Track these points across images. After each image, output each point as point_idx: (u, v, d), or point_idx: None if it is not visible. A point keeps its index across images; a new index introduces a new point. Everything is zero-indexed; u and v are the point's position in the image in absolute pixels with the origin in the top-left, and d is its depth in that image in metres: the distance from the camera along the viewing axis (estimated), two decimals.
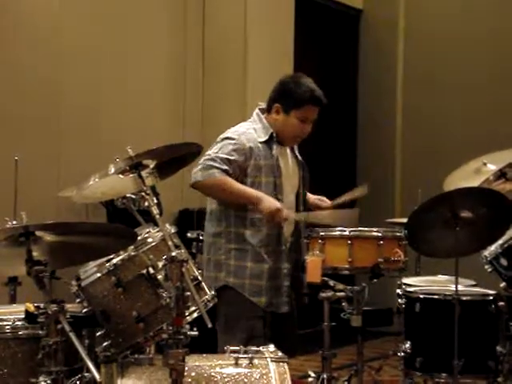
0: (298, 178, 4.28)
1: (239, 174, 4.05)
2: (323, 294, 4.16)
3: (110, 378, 3.05)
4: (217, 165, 3.98)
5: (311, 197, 4.42)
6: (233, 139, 4.09)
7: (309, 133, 4.24)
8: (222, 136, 4.15)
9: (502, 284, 4.31)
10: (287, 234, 4.19)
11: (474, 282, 4.77)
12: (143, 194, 3.21)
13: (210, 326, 3.03)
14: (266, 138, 4.15)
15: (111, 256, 3.13)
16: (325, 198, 4.42)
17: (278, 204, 3.99)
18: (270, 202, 3.98)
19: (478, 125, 8.02)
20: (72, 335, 2.86)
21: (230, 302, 4.08)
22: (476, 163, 4.44)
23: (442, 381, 4.31)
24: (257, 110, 4.27)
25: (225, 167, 3.99)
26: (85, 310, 3.15)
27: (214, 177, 3.97)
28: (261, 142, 4.13)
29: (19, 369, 3.04)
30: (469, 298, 4.37)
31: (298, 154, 4.35)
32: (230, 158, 4.02)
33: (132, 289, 3.11)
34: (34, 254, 2.94)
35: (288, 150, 4.29)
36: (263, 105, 4.28)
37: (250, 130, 4.17)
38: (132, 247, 3.13)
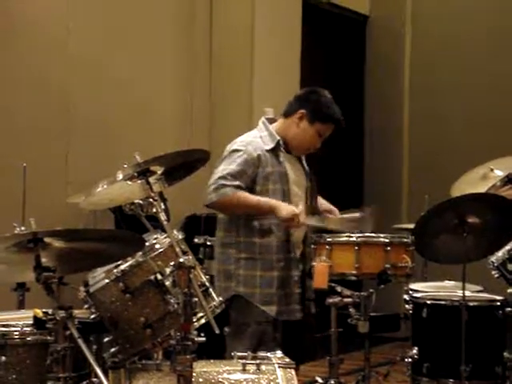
0: (305, 187, 4.29)
1: (249, 184, 4.07)
2: (330, 300, 4.17)
3: None
4: (228, 182, 4.01)
5: (323, 203, 4.42)
6: (240, 151, 4.11)
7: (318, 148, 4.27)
8: (229, 148, 4.17)
9: (510, 289, 4.30)
10: (298, 241, 4.20)
11: (481, 288, 4.77)
12: (151, 200, 3.22)
13: (217, 331, 3.04)
14: (273, 145, 4.16)
15: (119, 262, 3.14)
16: (335, 210, 4.41)
17: (294, 209, 4.01)
18: (286, 208, 4.01)
19: (485, 131, 8.02)
20: (80, 341, 2.87)
21: (241, 309, 4.10)
22: (483, 169, 4.45)
23: None
24: (263, 119, 4.29)
25: (236, 183, 4.02)
26: (93, 316, 3.16)
27: (227, 195, 4.00)
28: (267, 150, 4.15)
29: (27, 374, 3.06)
30: (476, 303, 4.37)
31: (305, 164, 4.36)
32: (239, 171, 4.04)
33: (140, 295, 3.12)
34: (43, 260, 2.96)
35: (296, 159, 4.30)
36: (269, 110, 4.30)
37: (257, 139, 4.19)
38: (140, 253, 3.14)
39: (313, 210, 4.30)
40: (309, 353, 4.33)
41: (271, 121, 4.29)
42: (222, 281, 4.15)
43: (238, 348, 3.86)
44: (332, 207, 4.43)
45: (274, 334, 4.05)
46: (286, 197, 4.14)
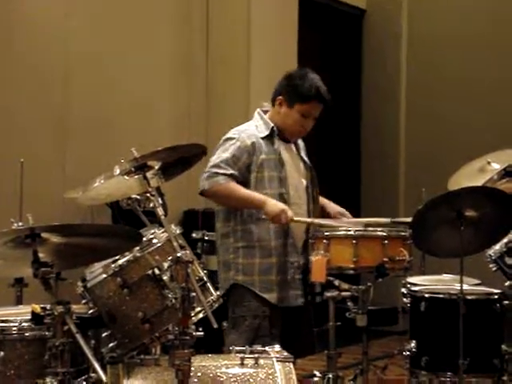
0: (305, 177, 4.30)
1: (244, 172, 4.08)
2: (328, 294, 4.16)
3: (116, 379, 3.06)
4: (221, 171, 4.01)
5: (333, 207, 4.42)
6: (233, 139, 4.12)
7: (310, 128, 4.26)
8: (223, 138, 4.18)
9: (507, 283, 4.31)
10: (301, 231, 4.20)
11: (478, 281, 4.76)
12: (148, 194, 3.22)
13: (215, 326, 3.04)
14: (267, 133, 4.17)
15: (117, 257, 3.15)
16: (347, 213, 4.41)
17: (282, 206, 4.01)
18: (274, 204, 4.01)
19: (483, 124, 8.02)
20: (78, 336, 2.87)
21: (238, 300, 4.10)
22: (480, 162, 4.45)
23: (448, 380, 4.30)
24: (258, 110, 4.31)
25: (230, 171, 4.02)
26: (91, 311, 3.17)
27: (220, 183, 4.00)
28: (262, 138, 4.16)
29: (26, 370, 3.05)
30: (474, 297, 4.36)
31: (304, 156, 4.36)
32: (232, 158, 4.05)
33: (137, 290, 3.13)
34: (40, 255, 2.95)
35: (293, 148, 4.31)
36: (266, 104, 4.31)
37: (251, 127, 4.20)
38: (137, 248, 3.15)
39: (314, 200, 4.31)
40: (307, 347, 4.32)
41: (266, 112, 4.30)
42: (222, 271, 4.16)
43: (234, 341, 3.88)
44: (344, 211, 4.42)
45: (270, 328, 4.05)
46: (283, 184, 4.14)
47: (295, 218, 4.09)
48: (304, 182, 4.29)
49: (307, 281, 4.18)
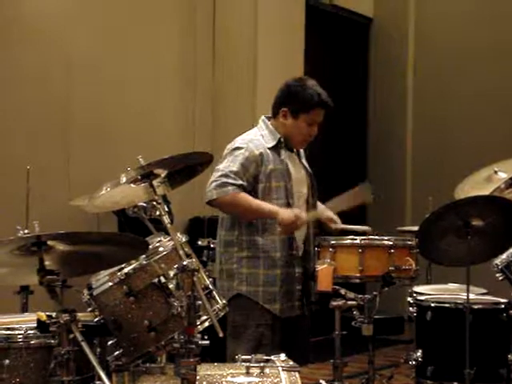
0: (306, 185, 4.29)
1: (252, 182, 4.07)
2: (334, 303, 4.15)
3: None
4: (231, 181, 3.99)
5: (325, 212, 4.41)
6: (242, 148, 4.10)
7: (315, 135, 4.26)
8: (230, 147, 4.16)
9: None
10: (300, 242, 4.19)
11: (485, 291, 4.76)
12: (154, 202, 3.22)
13: (221, 335, 3.03)
14: (274, 143, 4.16)
15: (123, 265, 3.14)
16: (337, 219, 4.39)
17: (294, 212, 4.00)
18: (286, 213, 3.99)
19: (489, 132, 8.02)
20: (84, 344, 2.87)
21: (241, 309, 4.08)
22: (487, 171, 4.45)
23: None
24: (263, 117, 4.29)
25: (239, 182, 4.00)
26: (96, 319, 3.16)
27: (229, 194, 3.99)
28: (269, 148, 4.15)
29: (31, 378, 3.04)
30: (480, 306, 4.36)
31: (305, 162, 4.36)
32: (241, 169, 4.03)
33: (143, 298, 3.12)
34: (46, 263, 2.95)
35: (296, 157, 4.30)
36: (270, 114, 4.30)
37: (258, 137, 4.18)
38: (143, 256, 3.14)
39: (313, 207, 4.31)
40: (302, 356, 4.30)
41: (270, 119, 4.29)
42: (225, 280, 4.14)
43: (236, 350, 3.85)
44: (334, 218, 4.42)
45: (272, 337, 4.04)
46: (289, 194, 4.13)
47: (306, 218, 4.09)
48: (305, 192, 4.28)
49: (307, 290, 4.18)
